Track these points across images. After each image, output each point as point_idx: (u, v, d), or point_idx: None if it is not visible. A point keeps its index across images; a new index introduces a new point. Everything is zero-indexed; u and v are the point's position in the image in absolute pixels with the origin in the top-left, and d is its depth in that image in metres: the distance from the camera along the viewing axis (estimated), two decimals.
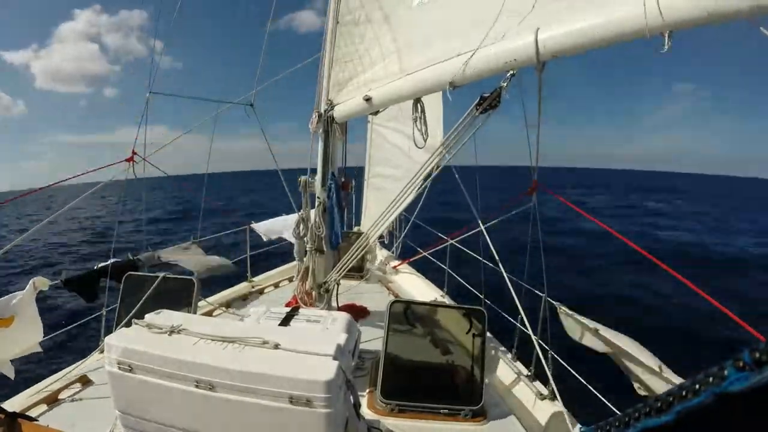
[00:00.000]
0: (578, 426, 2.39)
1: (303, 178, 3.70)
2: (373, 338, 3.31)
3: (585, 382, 2.80)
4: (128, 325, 2.05)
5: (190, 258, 4.35)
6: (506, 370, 3.14)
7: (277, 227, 5.73)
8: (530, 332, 2.82)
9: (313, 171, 3.69)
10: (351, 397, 1.85)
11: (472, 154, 3.82)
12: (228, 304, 4.57)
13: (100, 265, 3.71)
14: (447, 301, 4.47)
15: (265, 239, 5.69)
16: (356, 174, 4.71)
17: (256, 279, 5.33)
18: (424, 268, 5.69)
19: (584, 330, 2.71)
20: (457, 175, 3.59)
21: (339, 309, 3.80)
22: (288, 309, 2.75)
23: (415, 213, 4.76)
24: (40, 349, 3.06)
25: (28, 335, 2.97)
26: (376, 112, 3.15)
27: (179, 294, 3.22)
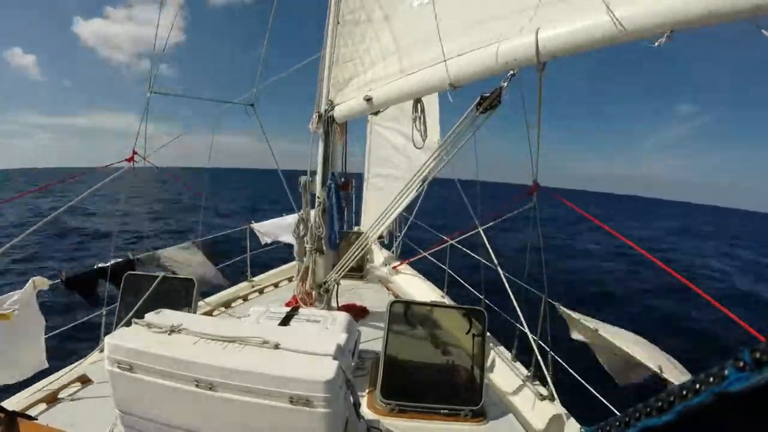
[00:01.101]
0: (578, 427, 2.40)
1: (303, 178, 3.70)
2: (373, 338, 3.31)
3: (585, 383, 2.80)
4: (128, 324, 2.05)
5: (190, 261, 4.36)
6: (506, 371, 3.14)
7: (277, 229, 5.73)
8: (530, 333, 2.82)
9: (313, 171, 3.69)
10: (351, 397, 1.85)
11: (472, 156, 3.82)
12: (228, 304, 4.57)
13: (99, 265, 3.71)
14: (447, 301, 4.48)
15: (262, 242, 5.69)
16: (355, 179, 4.71)
17: (256, 279, 5.33)
18: (424, 269, 5.70)
19: (584, 329, 2.72)
20: (458, 185, 3.59)
21: (339, 309, 3.80)
22: (288, 309, 2.75)
23: (414, 213, 4.76)
24: (46, 365, 3.08)
25: (29, 335, 2.98)
26: (377, 112, 3.15)
27: (179, 294, 3.22)
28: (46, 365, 3.07)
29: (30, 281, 3.01)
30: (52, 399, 2.62)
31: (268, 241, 5.72)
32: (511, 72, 1.90)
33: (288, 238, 5.41)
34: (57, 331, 3.43)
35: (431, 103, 4.48)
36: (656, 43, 1.36)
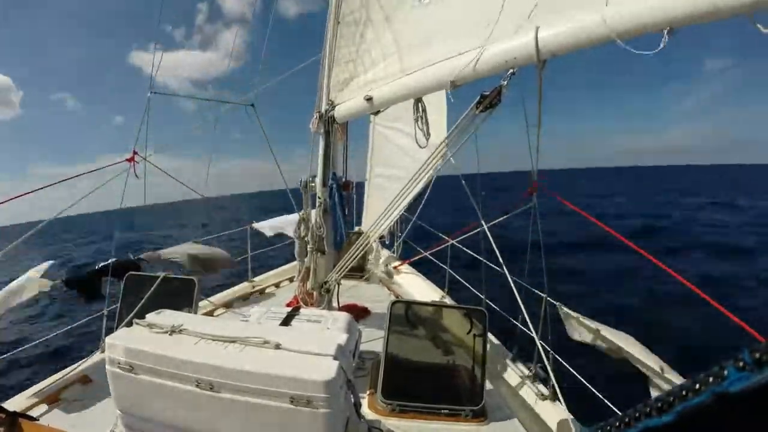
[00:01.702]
0: (579, 427, 2.39)
1: (304, 177, 3.71)
2: (373, 338, 3.31)
3: (586, 383, 2.80)
4: (129, 324, 2.06)
5: (192, 254, 4.34)
6: (507, 371, 3.14)
7: (279, 224, 5.74)
8: (531, 332, 2.82)
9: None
10: (351, 397, 1.85)
11: (472, 156, 3.81)
12: (229, 304, 4.58)
13: (101, 265, 3.71)
14: (448, 301, 4.47)
15: (268, 235, 5.68)
16: (354, 182, 4.70)
17: (257, 279, 5.33)
18: (425, 269, 5.69)
19: (585, 330, 2.71)
20: (463, 182, 3.57)
21: (340, 309, 3.80)
22: (289, 309, 2.75)
23: (417, 213, 4.76)
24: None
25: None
26: (377, 112, 3.15)
27: (180, 294, 3.22)
28: None
29: (31, 271, 3.00)
30: (53, 399, 2.63)
31: (272, 234, 5.71)
32: (511, 70, 1.90)
33: (291, 230, 5.41)
34: (58, 331, 3.44)
35: (438, 102, 4.49)
36: (661, 45, 1.36)
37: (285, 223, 5.62)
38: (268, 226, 5.73)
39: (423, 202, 3.57)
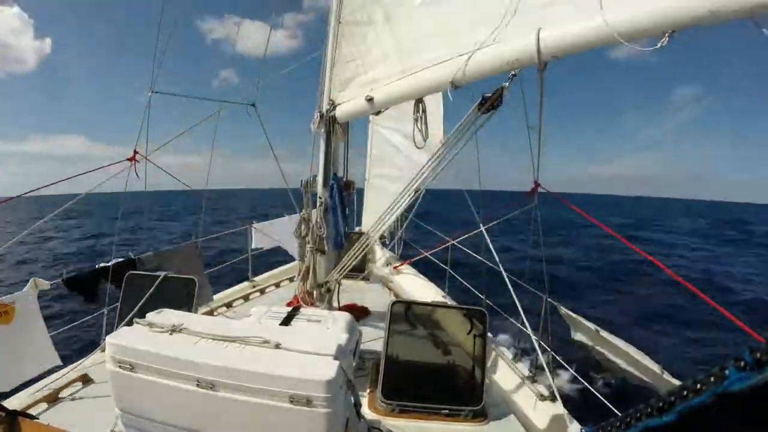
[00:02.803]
0: (579, 427, 2.40)
1: (305, 177, 3.71)
2: (373, 338, 3.31)
3: (585, 383, 2.80)
4: (129, 323, 2.05)
5: (188, 264, 4.35)
6: (507, 371, 3.14)
7: (278, 232, 5.75)
8: (531, 333, 2.82)
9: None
10: (352, 397, 1.85)
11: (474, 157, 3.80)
12: (229, 304, 4.58)
13: (101, 265, 3.72)
14: (448, 301, 4.48)
15: (254, 245, 5.69)
16: (355, 190, 4.72)
17: (257, 279, 5.33)
18: (425, 269, 5.70)
19: (584, 331, 2.72)
20: (466, 195, 3.56)
21: (340, 309, 3.80)
22: (289, 309, 2.75)
23: (412, 212, 4.76)
24: (59, 362, 3.12)
25: (32, 334, 2.99)
26: (378, 112, 3.15)
27: (180, 293, 3.22)
28: (59, 361, 3.11)
29: (30, 281, 3.02)
30: (53, 398, 2.63)
31: (262, 246, 5.73)
32: (513, 72, 1.90)
33: (284, 241, 5.45)
34: (58, 330, 3.44)
35: (435, 103, 4.49)
36: (658, 44, 1.36)
37: (283, 228, 5.64)
38: (267, 228, 5.75)
39: (419, 201, 3.59)
